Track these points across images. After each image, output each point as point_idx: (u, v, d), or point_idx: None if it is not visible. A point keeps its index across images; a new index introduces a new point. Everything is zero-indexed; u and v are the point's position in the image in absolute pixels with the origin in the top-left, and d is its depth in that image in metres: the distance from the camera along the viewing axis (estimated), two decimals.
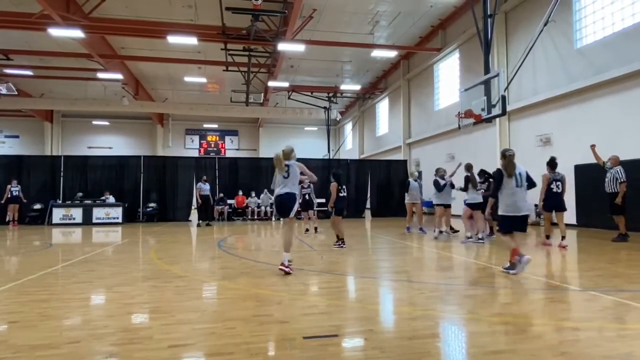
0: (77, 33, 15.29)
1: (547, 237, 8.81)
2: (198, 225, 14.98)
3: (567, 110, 13.24)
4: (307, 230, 12.00)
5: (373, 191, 20.44)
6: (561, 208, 8.68)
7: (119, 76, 21.93)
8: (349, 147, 35.77)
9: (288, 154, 6.13)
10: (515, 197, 5.65)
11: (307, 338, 3.15)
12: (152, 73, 25.01)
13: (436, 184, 10.39)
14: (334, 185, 8.63)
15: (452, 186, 10.47)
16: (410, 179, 11.97)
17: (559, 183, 8.69)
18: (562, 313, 3.86)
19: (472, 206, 9.34)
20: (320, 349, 2.96)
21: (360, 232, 12.77)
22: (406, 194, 11.91)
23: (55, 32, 15.16)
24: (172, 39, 16.22)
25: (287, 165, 6.05)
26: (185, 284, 5.21)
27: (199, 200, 14.86)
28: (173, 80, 25.96)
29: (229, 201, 18.36)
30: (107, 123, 33.37)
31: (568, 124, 13.19)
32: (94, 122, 33.13)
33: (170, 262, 6.96)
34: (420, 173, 11.08)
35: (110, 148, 32.69)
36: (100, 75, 21.41)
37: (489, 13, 12.43)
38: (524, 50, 12.00)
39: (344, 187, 8.82)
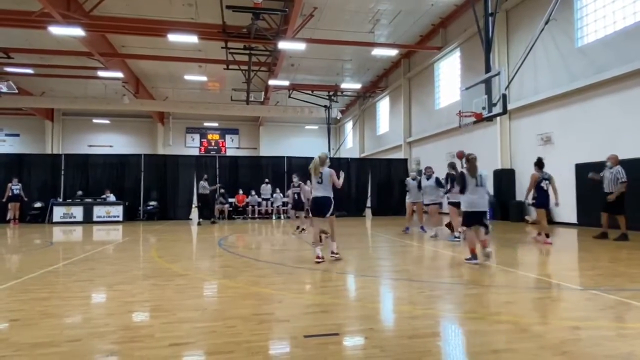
0: (78, 31, 15.29)
1: (547, 235, 8.78)
2: (199, 223, 14.99)
3: (568, 109, 13.22)
4: (298, 228, 11.79)
5: (373, 190, 20.44)
6: (548, 207, 9.04)
7: (120, 74, 21.92)
8: (350, 145, 35.75)
9: (323, 161, 6.83)
10: (475, 195, 6.41)
11: (307, 337, 3.15)
12: (153, 71, 24.99)
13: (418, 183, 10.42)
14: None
15: (440, 185, 10.22)
16: (409, 178, 11.79)
17: (547, 182, 8.85)
18: (563, 312, 3.86)
19: (456, 205, 9.29)
20: (321, 347, 2.96)
21: (361, 231, 12.76)
22: (407, 193, 11.86)
23: (55, 30, 15.16)
24: (173, 37, 16.22)
25: (321, 172, 6.76)
26: (186, 282, 5.21)
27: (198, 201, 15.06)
28: (173, 78, 25.95)
29: (229, 200, 18.36)
30: (107, 121, 33.37)
31: (569, 123, 13.18)
32: (95, 121, 33.13)
33: (170, 260, 6.97)
34: (420, 171, 11.07)
35: (110, 146, 32.68)
36: (101, 73, 21.42)
37: (490, 11, 12.39)
38: (525, 49, 11.97)
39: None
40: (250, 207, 18.67)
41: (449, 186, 9.36)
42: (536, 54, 13.60)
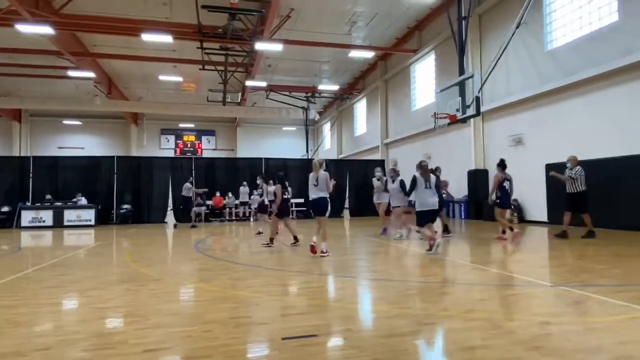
0: (47, 30, 14.80)
1: (504, 232, 9.22)
2: (175, 226, 14.73)
3: (538, 110, 13.63)
4: (260, 232, 11.34)
5: (351, 191, 20.56)
6: (511, 206, 9.53)
7: (91, 74, 21.35)
8: (328, 147, 35.85)
9: (320, 165, 7.54)
10: (425, 195, 7.47)
11: (285, 339, 3.14)
12: (126, 71, 24.43)
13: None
14: (278, 188, 8.94)
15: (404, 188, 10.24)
16: (374, 178, 11.40)
17: (509, 182, 9.24)
18: (534, 308, 3.96)
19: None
20: (300, 349, 2.95)
21: (339, 232, 12.80)
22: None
23: (23, 28, 14.62)
24: (147, 36, 15.91)
25: (317, 176, 7.48)
26: (161, 286, 5.11)
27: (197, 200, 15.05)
28: (147, 78, 25.43)
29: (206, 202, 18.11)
30: (78, 123, 32.40)
31: (539, 124, 13.59)
32: (65, 122, 32.10)
33: (145, 264, 6.82)
34: (396, 171, 11.14)
35: (82, 148, 31.72)
36: (72, 73, 20.80)
37: (463, 15, 12.70)
38: (497, 52, 12.30)
39: (289, 189, 9.11)
40: (227, 209, 18.47)
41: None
42: (508, 57, 13.96)
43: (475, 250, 8.08)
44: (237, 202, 18.42)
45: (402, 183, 9.95)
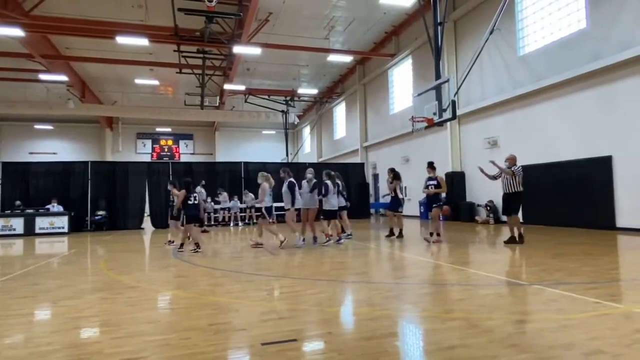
0: (16, 32, 14.37)
1: (438, 234, 9.27)
2: (205, 231, 14.31)
3: (512, 114, 14.00)
4: (171, 241, 10.49)
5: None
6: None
7: (64, 78, 20.82)
8: (308, 150, 35.88)
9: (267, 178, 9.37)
10: (334, 198, 9.52)
11: (265, 344, 3.11)
12: (100, 75, 23.90)
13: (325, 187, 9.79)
14: (182, 193, 8.83)
15: (341, 193, 10.19)
16: (303, 181, 10.00)
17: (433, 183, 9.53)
18: (510, 307, 4.05)
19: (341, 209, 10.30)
20: (279, 354, 2.93)
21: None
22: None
23: None
24: (122, 39, 15.62)
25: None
26: (138, 294, 5.00)
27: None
28: (123, 82, 24.94)
29: None
30: (50, 127, 31.45)
31: (513, 127, 13.95)
32: (36, 127, 31.10)
33: (121, 272, 6.66)
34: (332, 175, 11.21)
35: (54, 154, 30.77)
36: (43, 76, 20.23)
37: (439, 21, 12.93)
38: (472, 57, 12.59)
39: (195, 195, 9.03)
40: (206, 214, 18.21)
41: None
42: (482, 62, 14.31)
43: (453, 251, 8.22)
44: (216, 206, 18.21)
45: (314, 185, 9.66)
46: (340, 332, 3.49)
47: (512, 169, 8.61)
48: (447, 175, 16.56)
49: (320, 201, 9.91)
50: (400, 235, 10.43)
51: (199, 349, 3.07)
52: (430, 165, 9.79)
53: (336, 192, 9.70)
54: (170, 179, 17.78)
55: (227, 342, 3.26)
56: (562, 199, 11.94)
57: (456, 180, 16.27)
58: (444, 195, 9.77)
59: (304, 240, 9.34)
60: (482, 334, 3.22)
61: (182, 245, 8.91)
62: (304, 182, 9.75)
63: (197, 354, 2.96)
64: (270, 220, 9.54)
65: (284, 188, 9.42)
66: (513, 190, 8.57)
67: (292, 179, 9.33)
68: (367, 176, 23.04)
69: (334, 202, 9.58)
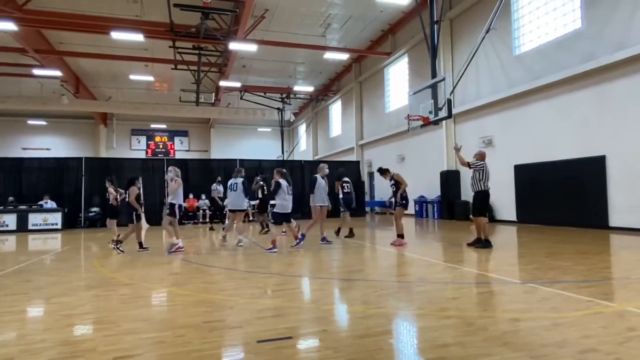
0: (9, 26, 14.21)
1: (402, 236, 8.84)
2: (211, 228, 14.21)
3: (507, 113, 14.05)
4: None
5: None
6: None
7: (58, 73, 20.64)
8: (303, 148, 35.84)
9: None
10: (286, 199, 8.29)
11: (260, 342, 3.11)
12: (95, 70, 23.72)
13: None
14: (133, 191, 8.57)
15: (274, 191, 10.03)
16: (319, 178, 9.74)
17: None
18: (504, 305, 4.07)
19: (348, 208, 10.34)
20: (275, 352, 2.93)
21: (314, 232, 12.80)
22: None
23: None
24: (116, 35, 15.51)
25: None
26: (132, 291, 4.97)
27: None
28: (117, 78, 24.78)
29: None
30: (44, 123, 31.20)
31: (508, 126, 14.01)
32: (30, 122, 30.84)
33: (114, 269, 6.63)
34: (264, 179, 11.32)
35: (48, 149, 30.55)
36: (36, 71, 20.06)
37: (435, 19, 12.95)
38: (468, 56, 12.63)
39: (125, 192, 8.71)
40: (200, 211, 18.18)
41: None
42: (478, 61, 14.35)
43: (448, 250, 8.25)
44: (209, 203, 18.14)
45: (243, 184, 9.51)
46: (336, 329, 3.49)
47: (471, 162, 8.06)
48: (442, 174, 16.63)
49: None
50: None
51: (193, 346, 3.06)
52: (381, 171, 9.49)
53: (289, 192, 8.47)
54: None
55: (222, 340, 3.25)
56: (556, 198, 12.02)
57: (451, 179, 16.32)
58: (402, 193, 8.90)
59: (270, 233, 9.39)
60: (476, 332, 3.23)
61: (119, 242, 8.49)
62: (319, 178, 9.35)
63: (191, 352, 2.94)
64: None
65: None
66: (476, 189, 8.03)
67: (281, 180, 8.50)
68: (363, 174, 23.06)
69: (285, 203, 8.25)
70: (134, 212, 8.59)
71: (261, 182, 12.12)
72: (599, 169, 10.90)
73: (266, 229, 11.91)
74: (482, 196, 8.01)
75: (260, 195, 12.15)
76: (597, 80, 11.00)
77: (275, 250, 8.01)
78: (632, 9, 10.09)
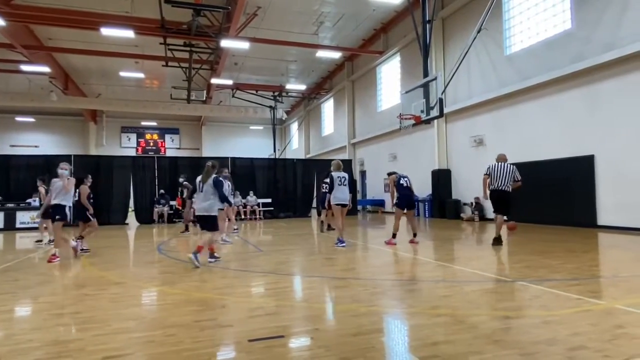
0: None
1: (394, 236, 8.70)
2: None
3: (498, 113, 14.16)
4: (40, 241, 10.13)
5: (319, 191, 20.57)
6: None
7: (46, 69, 20.35)
8: (295, 146, 35.79)
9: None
10: (197, 201, 6.75)
11: (252, 341, 3.10)
12: (84, 66, 23.43)
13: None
14: (83, 189, 8.11)
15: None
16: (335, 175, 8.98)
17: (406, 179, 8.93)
18: (495, 303, 4.11)
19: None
20: (266, 351, 2.92)
21: (306, 232, 12.81)
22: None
23: None
24: (106, 31, 15.32)
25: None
26: (122, 290, 4.93)
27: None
28: (107, 74, 24.49)
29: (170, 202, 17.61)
30: (32, 120, 30.76)
31: (499, 126, 14.11)
32: (18, 119, 30.38)
33: (104, 268, 6.56)
34: (364, 173, 11.14)
35: (36, 147, 30.13)
36: (24, 67, 19.74)
37: (427, 19, 12.99)
38: (460, 56, 12.69)
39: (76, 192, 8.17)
40: (192, 209, 18.04)
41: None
42: (470, 60, 14.42)
43: (439, 248, 8.29)
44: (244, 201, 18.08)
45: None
46: (327, 328, 3.49)
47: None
48: (434, 172, 16.72)
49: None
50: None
51: (184, 345, 3.04)
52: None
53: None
54: (156, 173, 17.61)
55: (213, 339, 3.23)
56: (546, 197, 12.14)
57: (442, 177, 16.42)
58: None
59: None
60: (467, 330, 3.25)
61: (80, 237, 8.17)
62: (335, 176, 8.65)
63: (182, 351, 2.92)
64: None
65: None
66: (490, 189, 8.20)
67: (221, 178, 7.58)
68: (355, 173, 23.10)
69: (204, 204, 6.67)
70: (87, 211, 8.15)
71: (185, 183, 11.85)
72: (587, 169, 11.03)
73: (184, 230, 11.62)
74: (493, 196, 8.14)
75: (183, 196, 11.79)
76: (586, 81, 11.13)
77: (208, 261, 6.68)
78: (620, 11, 10.21)
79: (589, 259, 6.48)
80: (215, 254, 6.84)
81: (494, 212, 8.27)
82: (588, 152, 11.06)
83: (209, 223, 6.68)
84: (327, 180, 9.40)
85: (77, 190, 8.20)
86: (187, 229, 12.56)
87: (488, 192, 8.19)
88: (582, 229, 10.74)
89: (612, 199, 10.58)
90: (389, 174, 9.33)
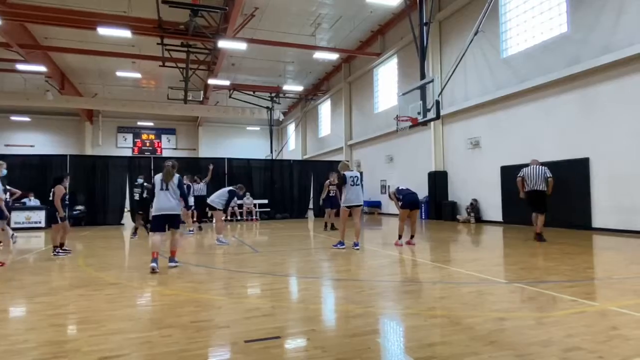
0: None
1: (400, 237, 8.89)
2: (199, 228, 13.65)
3: (494, 115, 14.22)
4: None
5: (316, 192, 20.59)
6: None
7: (42, 68, 20.25)
8: (292, 147, 35.80)
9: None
10: (159, 199, 6.44)
11: (248, 342, 3.10)
12: (80, 66, 23.35)
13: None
14: (59, 190, 7.97)
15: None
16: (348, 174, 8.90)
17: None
18: (490, 304, 4.12)
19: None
20: (263, 352, 2.92)
21: (303, 233, 12.81)
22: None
23: None
24: (103, 30, 15.28)
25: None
26: (118, 291, 4.91)
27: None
28: (104, 74, 24.43)
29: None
30: (28, 119, 30.60)
31: (495, 128, 14.17)
32: (13, 118, 30.22)
33: (100, 268, 6.53)
34: (361, 174, 11.25)
35: (32, 146, 29.99)
36: (20, 66, 19.63)
37: (424, 21, 13.04)
38: (456, 58, 12.75)
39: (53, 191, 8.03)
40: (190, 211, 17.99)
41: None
42: (466, 63, 14.48)
43: (436, 250, 8.32)
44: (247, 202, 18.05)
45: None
46: (324, 329, 3.50)
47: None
48: (430, 174, 16.77)
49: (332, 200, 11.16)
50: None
51: (180, 346, 3.03)
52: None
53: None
54: (152, 174, 17.52)
55: (209, 340, 3.23)
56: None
57: (439, 179, 16.46)
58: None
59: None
60: (463, 331, 3.26)
61: (61, 245, 8.15)
62: (348, 175, 8.28)
63: (178, 352, 2.92)
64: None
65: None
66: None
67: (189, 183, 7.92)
68: None
69: (170, 204, 6.50)
70: (56, 213, 7.92)
71: (145, 184, 11.41)
72: (583, 171, 11.10)
73: (133, 233, 11.33)
74: (531, 196, 9.11)
75: (137, 198, 11.39)
76: (582, 84, 11.20)
77: (179, 264, 6.63)
78: (616, 14, 10.29)
79: (583, 261, 6.52)
80: (176, 258, 6.66)
81: (532, 211, 9.23)
82: (583, 154, 11.13)
83: (175, 221, 6.62)
84: (330, 181, 9.84)
85: (53, 190, 7.98)
86: (136, 232, 11.51)
87: (523, 192, 9.27)
88: (577, 230, 10.79)
89: (606, 201, 10.64)
90: (391, 193, 9.35)
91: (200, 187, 13.59)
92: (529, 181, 9.07)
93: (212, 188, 17.68)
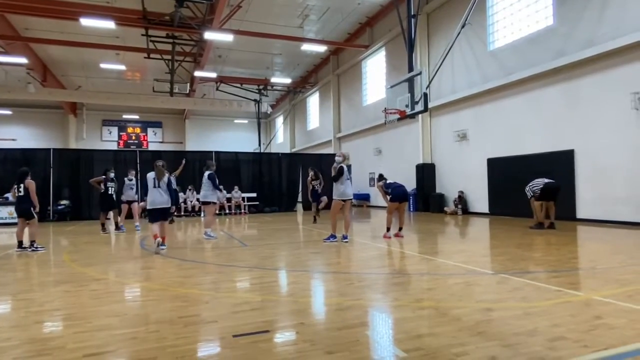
0: None
1: (400, 228, 8.94)
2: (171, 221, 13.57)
3: (481, 107, 14.32)
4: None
5: (304, 185, 20.55)
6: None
7: (23, 60, 19.74)
8: (280, 140, 35.62)
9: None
10: (153, 195, 7.44)
11: (236, 336, 3.08)
12: (63, 58, 22.82)
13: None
14: (31, 184, 7.90)
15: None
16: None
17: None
18: (477, 295, 4.17)
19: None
20: (251, 346, 2.90)
21: (292, 226, 12.80)
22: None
23: None
24: (86, 21, 14.93)
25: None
26: (103, 287, 4.84)
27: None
28: (87, 66, 23.92)
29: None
30: (9, 112, 29.84)
31: (482, 121, 14.28)
32: None
33: (85, 264, 6.43)
34: (350, 167, 11.19)
35: (13, 140, 29.30)
36: (0, 58, 19.09)
37: (412, 13, 13.01)
38: (444, 51, 12.77)
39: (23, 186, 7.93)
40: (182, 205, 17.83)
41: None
42: (454, 55, 14.53)
43: (423, 242, 8.38)
44: (184, 196, 17.85)
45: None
46: (312, 322, 3.50)
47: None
48: (418, 167, 16.86)
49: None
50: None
51: (168, 342, 3.00)
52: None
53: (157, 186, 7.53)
54: (138, 168, 17.31)
55: (197, 335, 3.20)
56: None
57: (426, 171, 16.56)
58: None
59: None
60: (451, 322, 3.29)
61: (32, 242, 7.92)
62: (345, 168, 8.24)
63: (166, 347, 2.89)
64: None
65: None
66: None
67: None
68: None
69: (163, 199, 7.49)
70: (31, 208, 7.80)
71: (112, 176, 11.27)
72: (567, 163, 11.25)
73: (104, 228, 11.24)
74: (550, 186, 9.75)
75: (111, 192, 11.31)
76: (567, 77, 11.32)
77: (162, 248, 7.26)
78: (600, 8, 10.39)
79: (568, 252, 6.63)
80: (165, 244, 7.54)
81: (546, 201, 9.81)
82: (568, 146, 11.29)
83: (166, 213, 7.68)
84: (312, 177, 9.78)
85: (23, 185, 7.79)
86: (104, 228, 11.35)
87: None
88: (562, 221, 10.95)
89: (590, 192, 10.83)
90: (379, 181, 9.41)
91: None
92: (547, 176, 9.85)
93: (190, 182, 17.65)
